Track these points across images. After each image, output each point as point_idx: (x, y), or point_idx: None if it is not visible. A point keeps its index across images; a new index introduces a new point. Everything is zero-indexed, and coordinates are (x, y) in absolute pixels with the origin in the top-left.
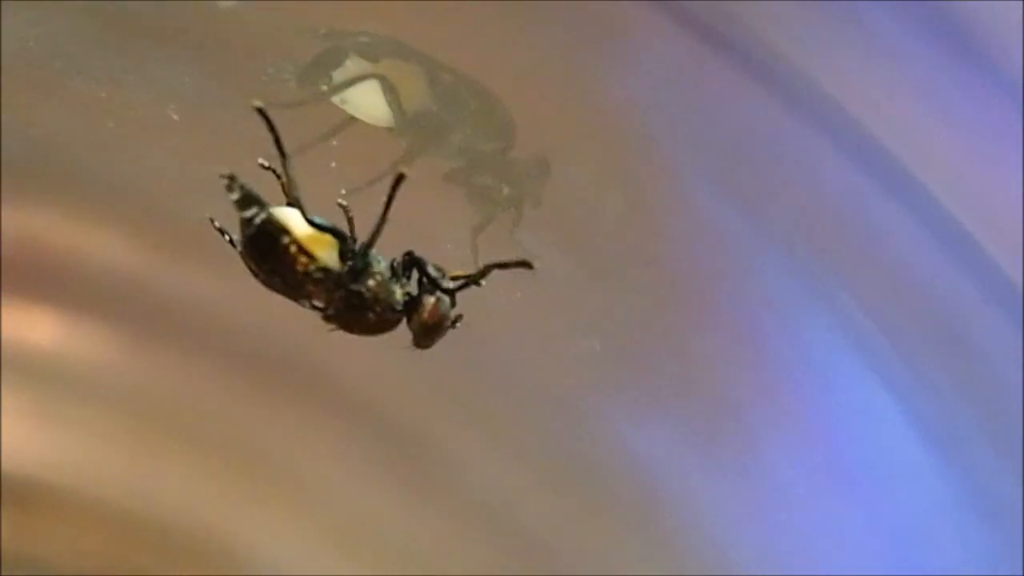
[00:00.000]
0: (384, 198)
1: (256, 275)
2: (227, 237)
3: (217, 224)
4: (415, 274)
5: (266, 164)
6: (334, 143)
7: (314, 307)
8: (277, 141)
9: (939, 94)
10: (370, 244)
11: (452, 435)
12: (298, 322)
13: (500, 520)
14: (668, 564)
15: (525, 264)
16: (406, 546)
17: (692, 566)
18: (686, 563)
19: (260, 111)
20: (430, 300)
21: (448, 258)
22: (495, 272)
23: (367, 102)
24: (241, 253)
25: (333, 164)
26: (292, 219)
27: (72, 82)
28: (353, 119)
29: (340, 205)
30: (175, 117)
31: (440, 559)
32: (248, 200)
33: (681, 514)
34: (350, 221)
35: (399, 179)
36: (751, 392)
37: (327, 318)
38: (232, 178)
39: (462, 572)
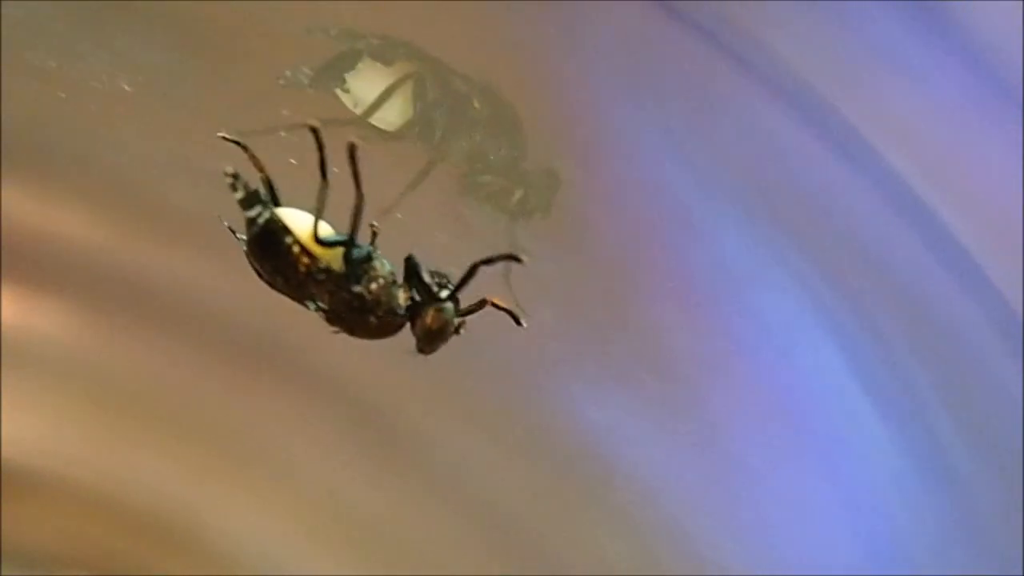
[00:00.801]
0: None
1: (260, 275)
2: (238, 237)
3: (227, 223)
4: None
5: (228, 137)
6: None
7: (319, 308)
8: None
9: (928, 83)
10: (354, 227)
11: (420, 412)
12: (273, 304)
13: (463, 493)
14: (626, 533)
15: (514, 258)
16: (376, 522)
17: (650, 535)
18: (644, 532)
19: (235, 142)
20: (433, 305)
21: (448, 256)
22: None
23: (378, 104)
24: (246, 252)
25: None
26: (296, 219)
27: (39, 59)
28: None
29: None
30: (145, 97)
31: (405, 532)
32: (252, 199)
33: (639, 485)
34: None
35: (351, 150)
36: (708, 363)
37: (330, 320)
38: (236, 176)
39: (425, 544)
